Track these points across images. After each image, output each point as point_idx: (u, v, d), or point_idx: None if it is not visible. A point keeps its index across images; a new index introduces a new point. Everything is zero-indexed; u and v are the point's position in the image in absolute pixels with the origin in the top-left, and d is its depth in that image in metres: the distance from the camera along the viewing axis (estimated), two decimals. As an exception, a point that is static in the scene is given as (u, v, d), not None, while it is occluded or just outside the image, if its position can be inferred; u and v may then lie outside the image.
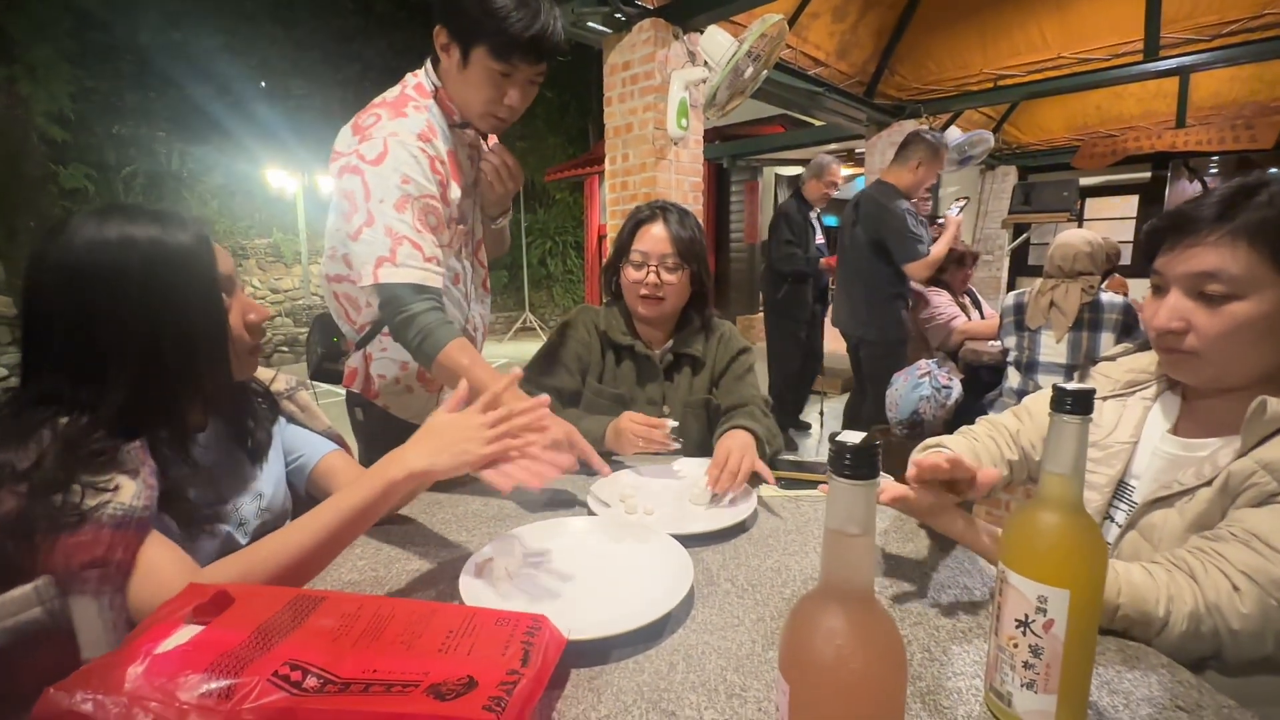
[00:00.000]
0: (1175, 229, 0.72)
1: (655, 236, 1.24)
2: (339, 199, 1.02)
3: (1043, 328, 2.14)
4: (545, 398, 0.76)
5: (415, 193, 1.02)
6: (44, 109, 5.85)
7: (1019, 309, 2.25)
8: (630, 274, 1.26)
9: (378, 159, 1.00)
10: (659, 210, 1.27)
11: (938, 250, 2.61)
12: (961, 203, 3.07)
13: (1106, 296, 2.06)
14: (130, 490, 0.63)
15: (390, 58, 9.85)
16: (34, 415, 0.63)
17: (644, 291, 1.24)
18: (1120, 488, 0.82)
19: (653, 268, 1.24)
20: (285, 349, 7.55)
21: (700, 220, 1.36)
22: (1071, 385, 0.48)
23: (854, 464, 0.34)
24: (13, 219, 5.73)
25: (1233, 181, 0.71)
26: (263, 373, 0.91)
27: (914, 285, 2.85)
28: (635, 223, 1.28)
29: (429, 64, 1.11)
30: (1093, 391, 0.47)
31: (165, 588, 0.58)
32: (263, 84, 9.42)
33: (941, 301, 3.04)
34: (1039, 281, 2.17)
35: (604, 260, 1.36)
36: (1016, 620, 0.49)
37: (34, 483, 0.59)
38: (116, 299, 0.65)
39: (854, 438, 0.34)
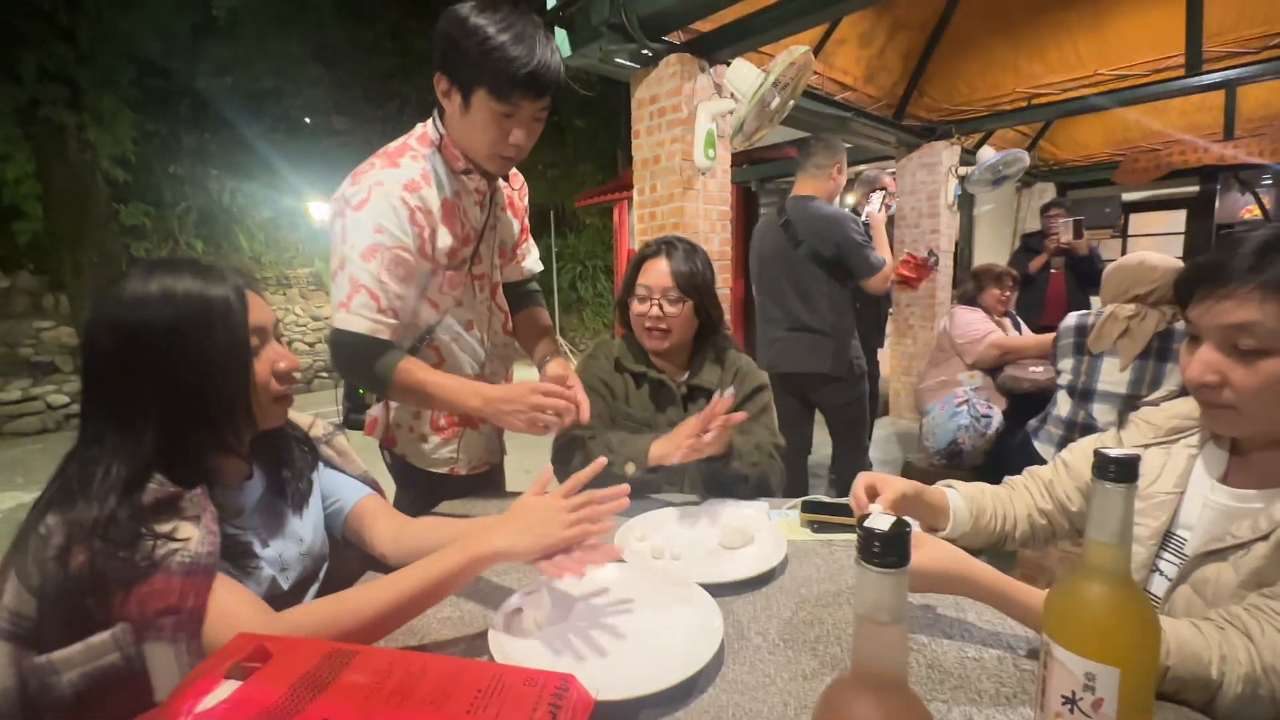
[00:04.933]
0: (1207, 279, 0.70)
1: (657, 271, 1.29)
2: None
3: (1106, 353, 1.99)
4: (625, 487, 0.80)
5: (388, 243, 1.04)
6: (109, 152, 6.24)
7: (1081, 330, 2.08)
8: (636, 307, 1.31)
9: (359, 205, 1.04)
10: (663, 245, 1.32)
11: (889, 257, 2.41)
12: (880, 195, 2.67)
13: (1181, 325, 1.87)
14: (196, 537, 0.66)
15: (427, 92, 10.15)
16: (84, 461, 0.67)
17: (648, 324, 1.29)
18: (1167, 539, 0.78)
19: (655, 301, 1.28)
20: (325, 375, 7.78)
21: (709, 255, 1.38)
22: (1114, 451, 0.46)
23: (883, 552, 0.33)
24: (78, 255, 6.09)
25: (1269, 229, 0.68)
26: (301, 419, 0.94)
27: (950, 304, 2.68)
28: (640, 258, 1.33)
29: (435, 114, 1.14)
30: (1137, 459, 0.45)
31: (240, 631, 0.60)
32: (307, 121, 9.89)
33: (975, 319, 2.94)
34: (1111, 306, 1.99)
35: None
36: (1063, 696, 0.47)
37: (105, 536, 0.62)
38: (148, 349, 0.68)
39: (883, 523, 0.34)
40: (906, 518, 0.41)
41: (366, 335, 1.04)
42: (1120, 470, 0.45)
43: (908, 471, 2.68)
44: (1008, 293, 2.96)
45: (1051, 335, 2.78)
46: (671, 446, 1.13)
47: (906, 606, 0.34)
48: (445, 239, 1.13)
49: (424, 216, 1.08)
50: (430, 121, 1.15)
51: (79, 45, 5.72)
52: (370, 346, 1.05)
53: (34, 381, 5.82)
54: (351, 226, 1.04)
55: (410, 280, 1.10)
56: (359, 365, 1.06)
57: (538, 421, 1.02)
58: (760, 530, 1.01)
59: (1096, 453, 0.46)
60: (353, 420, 1.22)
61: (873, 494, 0.81)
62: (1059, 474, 0.92)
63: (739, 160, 5.75)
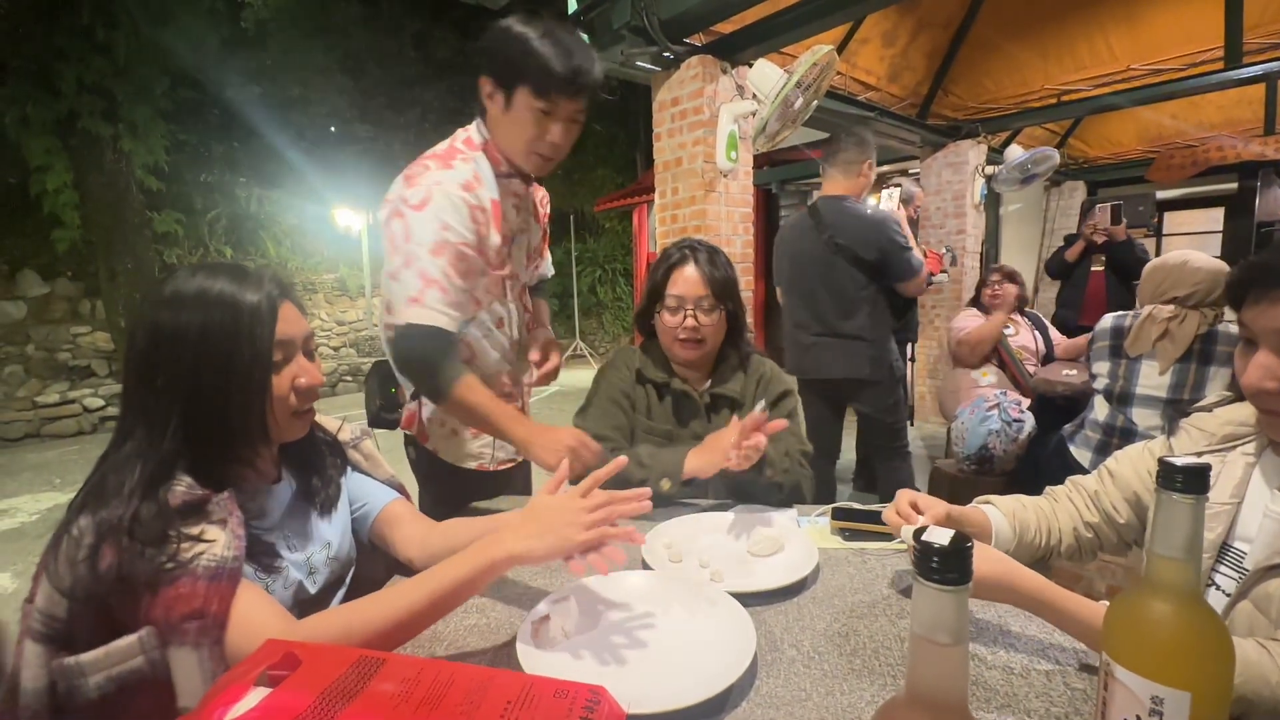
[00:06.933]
0: (1261, 280, 0.67)
1: (689, 279, 1.24)
2: (384, 242, 1.09)
3: (1144, 356, 1.90)
4: (646, 490, 0.78)
5: (453, 239, 1.07)
6: (142, 162, 6.40)
7: (1117, 333, 1.98)
8: (667, 319, 1.26)
9: (421, 204, 1.06)
10: (688, 251, 1.27)
11: (922, 260, 2.34)
12: (894, 191, 2.65)
13: (1224, 327, 1.81)
14: (221, 541, 0.66)
15: (448, 99, 10.37)
16: (115, 462, 0.67)
17: (683, 335, 1.24)
18: (1224, 551, 0.75)
19: (689, 311, 1.23)
20: (349, 378, 7.90)
21: (731, 257, 1.35)
22: (1181, 460, 0.43)
23: (943, 567, 0.31)
24: (113, 262, 6.25)
25: None
26: (329, 422, 0.94)
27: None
28: (667, 267, 1.27)
29: (479, 119, 1.18)
30: (1208, 469, 0.43)
31: (262, 639, 0.59)
32: (332, 129, 10.06)
33: (961, 318, 3.00)
34: (1149, 307, 1.91)
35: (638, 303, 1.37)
36: (1126, 721, 0.44)
37: (131, 534, 0.62)
38: (174, 346, 0.68)
39: (942, 536, 0.32)
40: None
41: (442, 329, 1.05)
42: (1188, 481, 0.43)
43: (936, 476, 2.62)
44: (996, 288, 2.96)
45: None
46: (707, 460, 1.10)
47: (968, 626, 0.32)
48: (494, 238, 1.16)
49: (481, 215, 1.12)
50: (474, 125, 1.19)
51: (116, 59, 5.88)
52: (442, 342, 1.05)
53: (71, 385, 5.99)
54: (415, 225, 1.05)
55: (471, 276, 1.12)
56: (428, 362, 1.05)
57: (570, 464, 0.98)
58: (790, 538, 0.98)
59: (1162, 461, 0.44)
60: (383, 419, 1.23)
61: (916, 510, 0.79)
62: (1104, 484, 0.88)
63: (758, 162, 5.70)
